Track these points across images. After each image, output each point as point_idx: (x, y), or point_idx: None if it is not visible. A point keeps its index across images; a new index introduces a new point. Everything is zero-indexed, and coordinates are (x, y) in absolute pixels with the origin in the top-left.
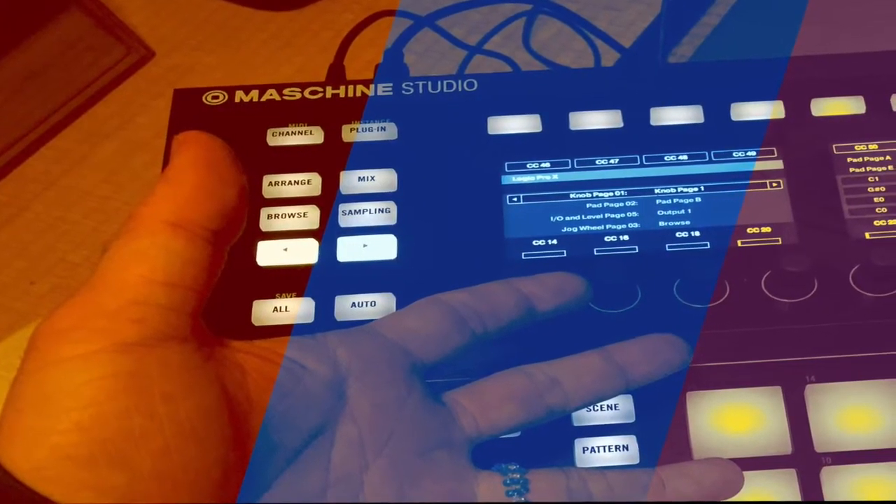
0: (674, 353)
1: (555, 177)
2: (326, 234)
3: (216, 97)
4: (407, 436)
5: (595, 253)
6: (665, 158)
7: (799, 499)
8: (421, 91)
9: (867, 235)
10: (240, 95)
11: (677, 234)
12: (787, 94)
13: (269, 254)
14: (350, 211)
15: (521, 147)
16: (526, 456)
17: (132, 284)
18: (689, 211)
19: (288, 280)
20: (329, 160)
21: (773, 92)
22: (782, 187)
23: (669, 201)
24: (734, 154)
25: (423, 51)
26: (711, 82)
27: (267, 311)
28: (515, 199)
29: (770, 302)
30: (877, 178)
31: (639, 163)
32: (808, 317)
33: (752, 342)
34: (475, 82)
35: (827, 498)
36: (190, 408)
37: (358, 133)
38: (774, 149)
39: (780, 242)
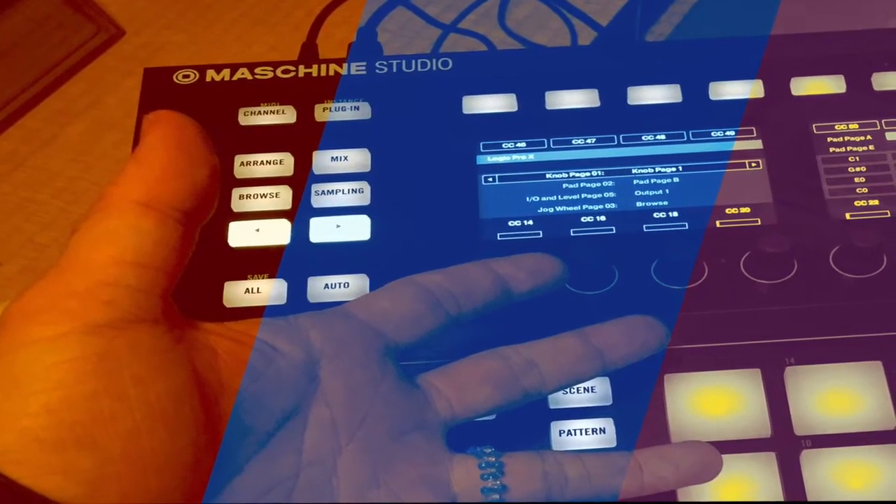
0: (651, 334)
1: (531, 157)
2: (299, 214)
3: (187, 76)
4: (380, 418)
5: (571, 234)
6: (642, 138)
7: (778, 482)
8: (395, 70)
9: (847, 216)
10: (211, 74)
11: (655, 215)
12: (766, 73)
13: (240, 234)
14: (323, 191)
15: (496, 127)
16: (501, 439)
17: (102, 265)
18: (667, 191)
19: (260, 261)
20: (301, 140)
21: (752, 71)
22: (761, 167)
23: (647, 181)
24: (713, 134)
25: (397, 29)
26: (689, 61)
27: (238, 293)
28: (491, 180)
29: (749, 283)
30: (857, 158)
31: (616, 142)
32: (787, 298)
33: (730, 324)
34: (450, 61)
35: (806, 482)
36: (160, 390)
37: (331, 112)
38: (753, 128)
39: (760, 223)
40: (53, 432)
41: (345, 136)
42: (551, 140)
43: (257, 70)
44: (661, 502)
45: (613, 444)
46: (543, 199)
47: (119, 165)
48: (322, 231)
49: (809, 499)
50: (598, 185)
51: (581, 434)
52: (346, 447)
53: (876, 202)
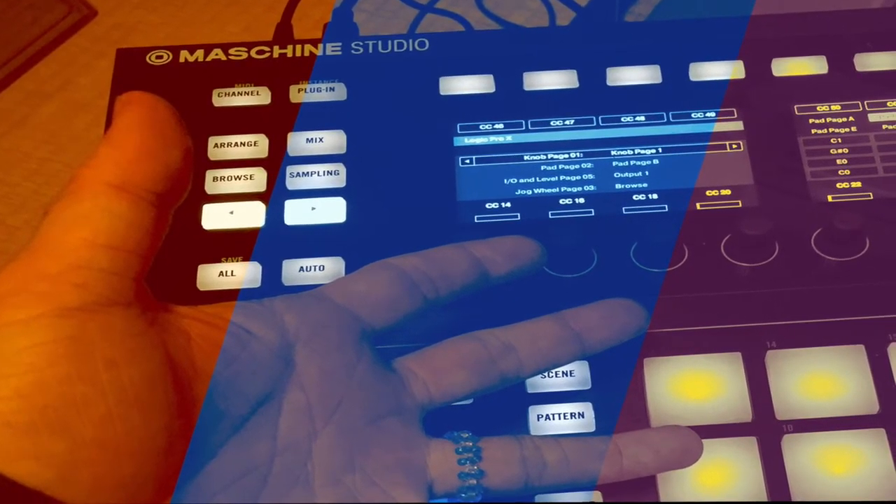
0: (631, 318)
1: (508, 138)
2: (273, 196)
3: (160, 57)
4: (356, 403)
5: (550, 216)
6: (622, 119)
7: (760, 467)
8: (371, 51)
9: (829, 198)
10: (184, 55)
11: (634, 197)
12: (747, 53)
13: (214, 217)
14: (298, 173)
15: (473, 108)
16: (479, 423)
17: (74, 248)
18: (647, 173)
19: (234, 244)
20: (276, 121)
21: (733, 51)
22: (742, 149)
23: (626, 163)
24: (693, 115)
25: (373, 9)
26: (669, 41)
27: (212, 276)
28: (468, 161)
29: (730, 266)
30: (839, 140)
31: (595, 124)
32: (768, 281)
33: (711, 307)
34: (427, 42)
35: (788, 467)
36: (133, 374)
37: (306, 94)
38: (734, 109)
39: (741, 205)
40: (25, 416)
41: (320, 117)
42: (529, 121)
43: (231, 51)
44: (641, 502)
45: (592, 428)
46: (521, 181)
47: (91, 147)
48: (297, 213)
49: (791, 483)
50: (577, 166)
51: (559, 419)
52: (322, 432)
53: (858, 184)
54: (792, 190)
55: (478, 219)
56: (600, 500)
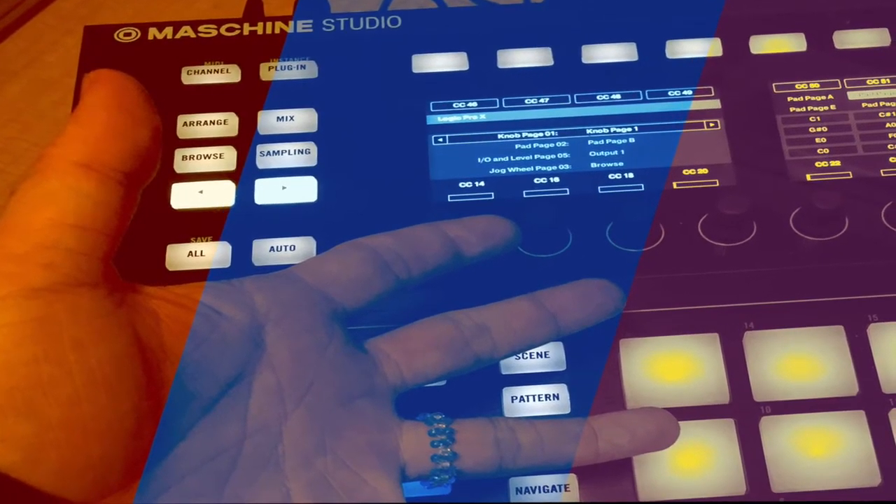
0: (606, 298)
1: (482, 116)
2: (243, 175)
3: (128, 34)
4: (327, 384)
5: (524, 195)
6: (597, 98)
7: (737, 449)
8: (342, 28)
9: (808, 177)
10: (153, 32)
11: (610, 176)
12: (724, 31)
13: (183, 196)
14: (268, 152)
15: (447, 86)
16: (452, 405)
17: (41, 228)
18: (623, 152)
19: (203, 223)
20: (246, 99)
21: (710, 29)
22: (720, 127)
23: (602, 142)
24: (669, 93)
25: None
26: (646, 19)
27: (182, 256)
28: (441, 140)
29: (707, 246)
30: (818, 118)
31: (570, 102)
32: (746, 261)
33: (688, 287)
34: (399, 19)
35: (766, 449)
36: (101, 355)
37: (276, 71)
38: (712, 87)
39: (718, 184)
40: None
41: (291, 95)
42: (503, 100)
43: (201, 28)
44: (618, 503)
45: (567, 410)
46: (495, 159)
47: (59, 126)
48: (267, 192)
49: (769, 466)
50: (552, 145)
51: (534, 400)
52: (292, 413)
53: (837, 163)
54: (770, 169)
55: (451, 198)
56: (575, 482)
